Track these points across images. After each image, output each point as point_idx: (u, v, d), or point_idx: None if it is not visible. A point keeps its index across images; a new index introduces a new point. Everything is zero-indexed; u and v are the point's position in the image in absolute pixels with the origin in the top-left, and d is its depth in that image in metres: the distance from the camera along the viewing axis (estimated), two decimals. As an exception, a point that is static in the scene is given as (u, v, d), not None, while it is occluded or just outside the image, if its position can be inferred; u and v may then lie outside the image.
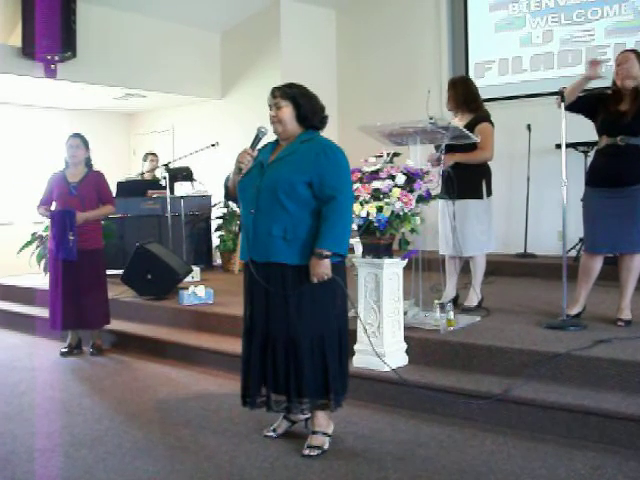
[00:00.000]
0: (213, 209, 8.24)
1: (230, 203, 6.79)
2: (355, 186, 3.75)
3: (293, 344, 3.07)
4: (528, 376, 3.56)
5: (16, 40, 7.25)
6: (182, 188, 7.89)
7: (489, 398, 3.45)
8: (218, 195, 6.60)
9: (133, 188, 7.84)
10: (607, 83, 4.27)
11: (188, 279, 6.49)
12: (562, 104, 4.08)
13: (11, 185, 9.22)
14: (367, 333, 3.79)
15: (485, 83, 7.51)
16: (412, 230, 3.86)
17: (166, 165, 7.25)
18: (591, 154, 5.14)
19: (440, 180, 4.36)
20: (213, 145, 7.29)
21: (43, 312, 5.99)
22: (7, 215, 9.15)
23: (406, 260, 4.00)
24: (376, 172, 3.84)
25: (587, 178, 4.35)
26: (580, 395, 3.33)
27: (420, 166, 4.00)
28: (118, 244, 7.39)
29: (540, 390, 3.43)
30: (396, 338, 3.96)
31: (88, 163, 5.24)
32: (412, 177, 3.82)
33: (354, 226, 3.75)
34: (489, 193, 4.73)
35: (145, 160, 8.37)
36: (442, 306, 4.36)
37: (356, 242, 4.23)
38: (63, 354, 5.28)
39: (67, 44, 7.28)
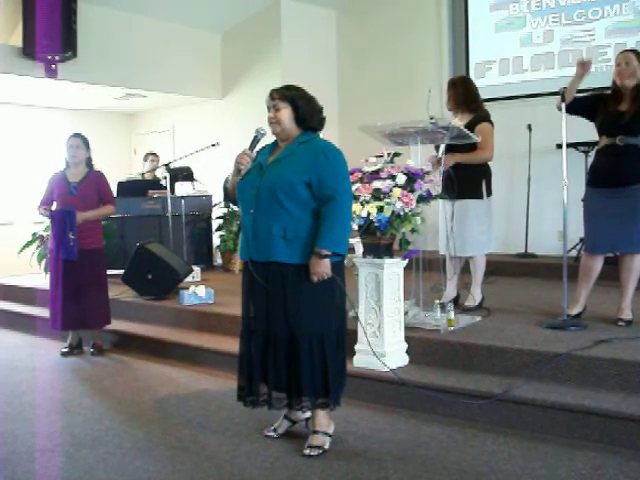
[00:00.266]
0: (214, 209, 8.24)
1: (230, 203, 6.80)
2: (355, 186, 3.75)
3: (293, 343, 3.08)
4: (528, 376, 3.56)
5: (17, 40, 7.25)
6: (183, 188, 7.89)
7: (489, 398, 3.45)
8: (219, 195, 6.60)
9: (134, 188, 7.84)
10: (607, 83, 4.26)
11: (189, 279, 6.49)
12: (562, 104, 4.08)
13: (11, 185, 9.22)
14: (367, 333, 3.79)
15: (485, 83, 7.52)
16: (413, 230, 3.86)
17: (167, 165, 7.25)
18: (592, 154, 5.14)
19: (441, 180, 4.36)
20: (213, 145, 7.29)
21: (44, 312, 5.99)
22: (8, 215, 9.15)
23: (407, 260, 4.00)
24: (377, 172, 3.84)
25: (587, 178, 4.36)
26: (580, 395, 3.33)
27: (421, 166, 4.00)
28: (119, 244, 7.39)
29: (540, 390, 3.43)
30: (397, 338, 3.96)
31: (89, 163, 5.24)
32: (413, 177, 3.82)
33: (355, 226, 3.76)
34: (489, 193, 4.73)
35: (146, 160, 8.37)
36: (442, 306, 4.36)
37: (356, 242, 4.24)
38: (64, 354, 5.28)
39: (68, 44, 7.28)
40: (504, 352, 3.74)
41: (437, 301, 4.41)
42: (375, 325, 3.88)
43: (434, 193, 4.01)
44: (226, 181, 3.34)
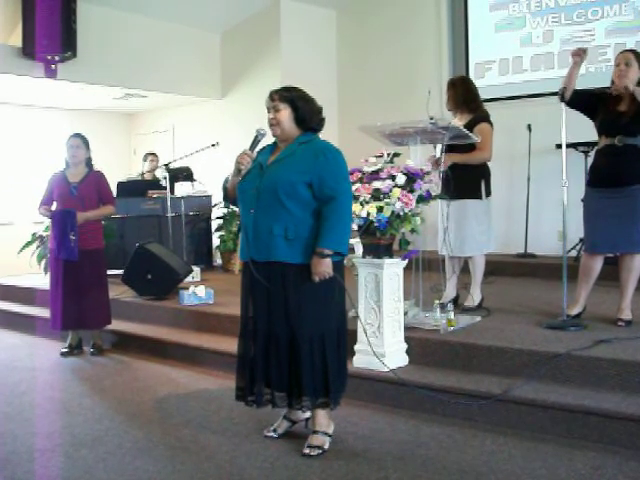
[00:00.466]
0: (213, 209, 8.24)
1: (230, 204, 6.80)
2: (355, 186, 3.75)
3: (294, 343, 3.09)
4: (528, 376, 3.56)
5: (16, 40, 7.25)
6: (182, 188, 7.89)
7: (489, 398, 3.45)
8: (218, 195, 6.59)
9: (133, 188, 7.84)
10: (607, 83, 4.26)
11: (188, 279, 6.49)
12: (562, 102, 4.09)
13: (11, 185, 9.22)
14: (367, 333, 3.79)
15: (485, 83, 7.51)
16: (412, 230, 3.86)
17: (166, 165, 7.25)
18: (591, 154, 5.15)
19: (440, 181, 4.37)
20: (213, 145, 7.29)
21: (43, 312, 5.99)
22: (7, 215, 9.15)
23: (406, 260, 4.00)
24: (376, 172, 3.84)
25: (587, 179, 4.36)
26: (580, 395, 3.33)
27: (420, 166, 4.00)
28: (118, 244, 7.39)
29: (540, 390, 3.43)
30: (396, 338, 3.96)
31: (89, 163, 5.25)
32: (412, 177, 3.82)
33: (354, 226, 3.76)
34: (488, 193, 4.73)
35: (145, 160, 8.36)
36: (442, 306, 4.36)
37: (356, 242, 4.24)
38: (63, 354, 5.28)
39: (67, 44, 7.28)
40: (504, 352, 3.74)
41: (437, 301, 4.42)
42: (375, 325, 3.88)
43: (434, 193, 4.01)
44: (226, 181, 3.35)
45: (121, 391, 4.32)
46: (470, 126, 4.56)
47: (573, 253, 6.28)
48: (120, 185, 7.58)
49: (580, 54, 4.04)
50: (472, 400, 3.50)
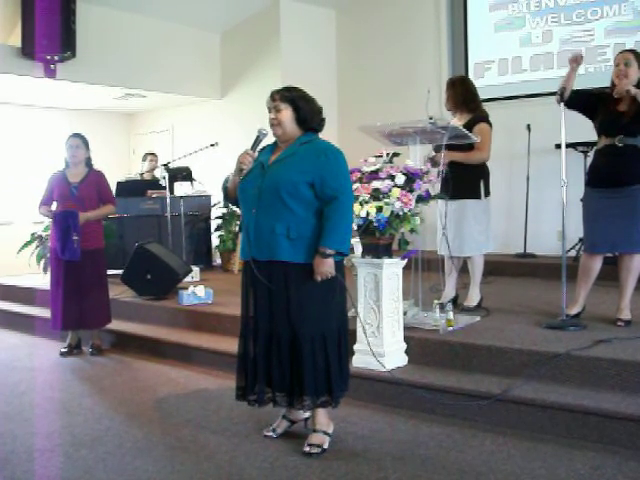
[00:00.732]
0: (213, 209, 8.24)
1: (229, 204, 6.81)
2: (355, 186, 3.75)
3: (295, 343, 3.09)
4: (528, 376, 3.56)
5: (16, 40, 7.25)
6: (182, 188, 7.89)
7: (489, 398, 3.45)
8: (218, 195, 6.60)
9: (133, 188, 7.84)
10: (606, 83, 4.26)
11: (188, 279, 6.49)
12: (561, 103, 4.08)
13: (11, 185, 9.22)
14: (366, 333, 3.79)
15: (485, 83, 7.52)
16: (412, 230, 3.86)
17: (166, 165, 7.25)
18: (591, 154, 5.14)
19: (437, 180, 4.37)
20: (212, 145, 7.29)
21: (43, 312, 6.00)
22: (7, 215, 9.15)
23: (405, 260, 4.00)
24: (376, 172, 3.84)
25: (587, 178, 4.36)
26: (580, 395, 3.33)
27: (420, 166, 4.00)
28: (118, 244, 7.38)
29: (540, 390, 3.43)
30: (396, 338, 3.96)
31: (88, 163, 5.25)
32: (412, 177, 3.82)
33: (354, 226, 3.76)
34: (487, 193, 4.73)
35: (145, 160, 8.36)
36: (442, 306, 4.36)
37: (356, 242, 4.23)
38: (63, 354, 5.28)
39: (67, 44, 7.28)
40: (503, 352, 3.74)
41: (436, 301, 4.42)
42: (374, 325, 3.88)
43: (433, 193, 4.01)
44: (226, 181, 3.35)
45: (121, 391, 4.32)
46: (469, 126, 4.56)
47: (572, 253, 6.28)
48: (119, 185, 7.58)
49: (578, 60, 4.04)
50: (471, 400, 3.50)
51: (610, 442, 3.12)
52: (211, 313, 5.32)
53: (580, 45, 7.08)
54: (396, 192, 3.73)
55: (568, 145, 4.39)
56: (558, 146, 4.42)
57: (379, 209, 3.72)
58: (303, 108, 3.16)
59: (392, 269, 3.89)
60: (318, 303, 3.11)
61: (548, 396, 3.35)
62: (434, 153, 4.50)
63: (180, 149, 9.26)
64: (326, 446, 3.17)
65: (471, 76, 7.38)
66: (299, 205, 3.07)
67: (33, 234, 7.23)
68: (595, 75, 6.85)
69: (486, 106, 4.90)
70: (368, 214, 3.72)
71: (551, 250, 6.73)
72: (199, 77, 9.14)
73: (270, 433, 3.37)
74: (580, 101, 4.19)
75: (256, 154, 3.21)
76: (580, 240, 5.95)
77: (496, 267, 6.18)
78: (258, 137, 3.24)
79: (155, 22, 8.46)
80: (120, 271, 6.18)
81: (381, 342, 3.85)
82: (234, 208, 7.30)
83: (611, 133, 4.08)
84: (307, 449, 3.13)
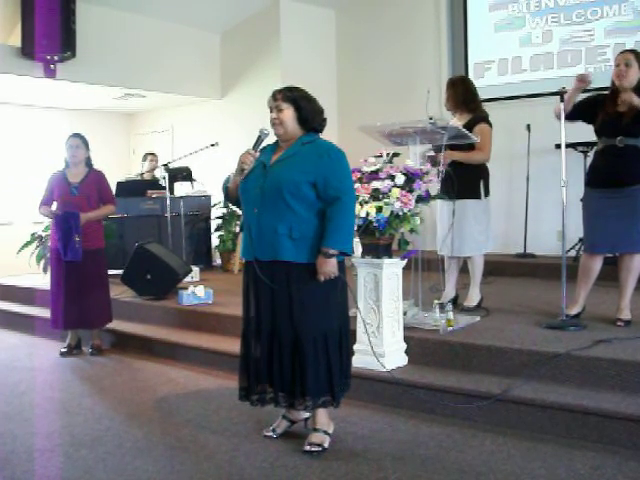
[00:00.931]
0: (213, 209, 8.24)
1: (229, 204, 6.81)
2: (354, 186, 3.74)
3: (297, 343, 3.09)
4: (528, 376, 3.56)
5: (16, 40, 7.25)
6: (182, 188, 7.89)
7: (489, 398, 3.45)
8: (218, 195, 6.60)
9: (133, 188, 7.84)
10: (606, 83, 4.26)
11: (188, 279, 6.49)
12: (562, 112, 4.08)
13: (11, 185, 9.22)
14: (367, 333, 3.79)
15: (485, 83, 7.52)
16: (411, 230, 3.86)
17: (166, 165, 7.24)
18: (590, 154, 5.14)
19: (438, 180, 4.37)
20: (212, 145, 7.29)
21: (43, 312, 6.00)
22: (7, 215, 9.15)
23: (405, 260, 4.00)
24: (375, 172, 3.84)
25: (587, 179, 4.36)
26: (580, 395, 3.33)
27: (419, 166, 4.00)
28: (118, 244, 7.38)
29: (540, 390, 3.43)
30: (396, 338, 3.96)
31: (88, 163, 5.25)
32: (411, 177, 3.82)
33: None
34: (487, 193, 4.73)
35: (145, 160, 8.36)
36: (441, 306, 4.36)
37: (355, 242, 4.23)
38: (63, 354, 5.28)
39: (67, 44, 7.28)
40: (503, 352, 3.74)
41: (436, 301, 4.42)
42: (374, 325, 3.87)
43: (433, 193, 4.01)
44: (226, 181, 3.35)
45: (120, 391, 4.32)
46: (470, 126, 4.56)
47: (572, 253, 6.28)
48: (119, 185, 7.58)
49: (585, 81, 4.04)
50: (471, 400, 3.50)
51: (610, 442, 3.12)
52: (211, 313, 5.32)
53: (580, 45, 7.09)
54: (396, 192, 3.73)
55: (568, 145, 4.39)
56: (558, 146, 4.42)
57: (379, 209, 3.72)
58: (305, 108, 3.16)
59: (392, 269, 3.89)
60: (320, 303, 3.11)
61: (548, 396, 3.35)
62: (433, 152, 4.49)
63: (180, 149, 9.26)
64: (326, 445, 3.17)
65: (471, 76, 7.38)
66: (301, 205, 3.07)
67: (33, 234, 7.24)
68: (595, 75, 6.76)
69: (486, 106, 4.90)
70: (368, 214, 3.72)
71: (551, 250, 6.73)
72: (199, 77, 9.14)
73: (270, 433, 3.37)
74: (580, 112, 4.20)
75: (258, 154, 3.20)
76: (580, 240, 5.95)
77: (496, 267, 6.18)
78: (260, 137, 3.23)
79: (155, 22, 8.46)
80: (120, 271, 6.18)
81: (381, 342, 3.85)
82: (234, 208, 7.30)
83: (611, 134, 4.07)
84: (307, 448, 3.14)
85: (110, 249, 6.52)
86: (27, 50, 7.17)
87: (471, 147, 4.56)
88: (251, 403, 3.25)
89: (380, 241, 3.84)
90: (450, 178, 4.41)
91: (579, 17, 7.11)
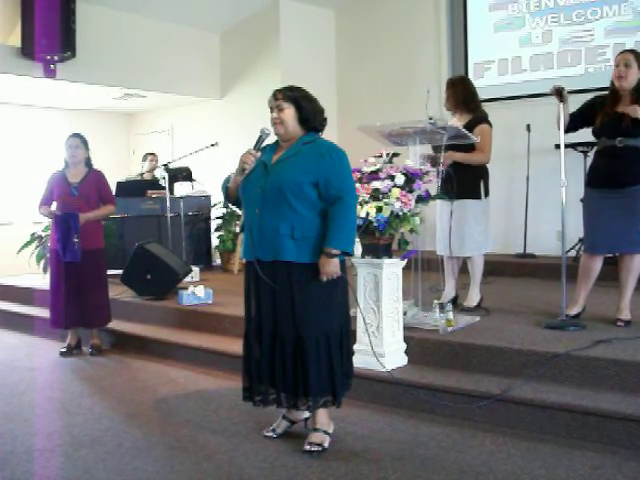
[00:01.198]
0: (212, 209, 8.24)
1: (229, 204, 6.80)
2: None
3: (300, 343, 3.08)
4: (527, 376, 3.56)
5: (15, 40, 7.25)
6: (181, 188, 7.89)
7: (488, 398, 3.45)
8: (218, 195, 6.59)
9: (132, 188, 7.83)
10: (606, 83, 4.25)
11: (187, 279, 6.49)
12: (560, 104, 4.09)
13: (11, 185, 9.22)
14: (367, 333, 3.79)
15: (484, 83, 7.52)
16: (411, 230, 3.86)
17: (165, 165, 7.24)
18: (590, 154, 5.15)
19: (438, 180, 4.37)
20: (212, 145, 7.29)
21: (42, 312, 5.99)
22: (6, 215, 9.15)
23: (405, 260, 4.00)
24: (375, 172, 3.85)
25: (587, 179, 4.36)
26: (579, 395, 3.33)
27: (419, 166, 4.00)
28: (118, 244, 7.38)
29: (539, 390, 3.43)
30: (395, 338, 3.96)
31: (88, 163, 5.25)
32: (411, 177, 3.82)
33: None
34: (487, 193, 4.73)
35: (144, 160, 8.36)
36: (441, 306, 4.36)
37: (355, 242, 4.23)
38: (62, 354, 5.28)
39: (66, 44, 7.28)
40: (503, 352, 3.74)
41: (436, 301, 4.42)
42: (374, 325, 3.87)
43: (433, 193, 4.01)
44: (226, 181, 3.34)
45: (120, 391, 4.31)
46: (470, 126, 4.56)
47: (572, 253, 6.28)
48: (119, 185, 7.58)
49: (560, 93, 4.05)
50: (471, 400, 3.50)
51: (609, 442, 3.12)
52: (211, 313, 5.31)
53: (580, 45, 7.09)
54: (396, 192, 3.73)
55: (568, 145, 4.39)
56: (558, 146, 4.41)
57: (379, 209, 3.72)
58: (306, 107, 3.16)
59: (392, 269, 3.89)
60: (322, 303, 3.11)
61: (548, 396, 3.35)
62: (432, 152, 4.49)
63: (180, 149, 9.25)
64: (326, 445, 3.17)
65: (471, 76, 7.38)
66: (303, 205, 3.06)
67: (33, 234, 7.24)
68: (595, 75, 6.85)
69: (486, 106, 4.91)
70: (368, 214, 3.72)
71: (551, 250, 6.73)
72: (199, 77, 9.14)
73: (270, 433, 3.37)
74: (580, 119, 4.22)
75: (259, 154, 3.19)
76: (580, 240, 5.96)
77: (496, 267, 6.18)
78: (261, 136, 3.22)
79: (155, 22, 8.46)
80: (120, 271, 6.18)
81: (381, 342, 3.85)
82: (234, 208, 7.30)
83: (611, 134, 4.07)
84: (307, 447, 3.14)
85: (110, 249, 6.52)
86: (27, 50, 7.17)
87: (472, 147, 4.56)
88: (254, 404, 3.25)
89: (380, 241, 3.84)
90: (450, 178, 4.41)
91: (579, 17, 7.11)
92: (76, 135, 5.22)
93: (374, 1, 8.60)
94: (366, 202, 3.76)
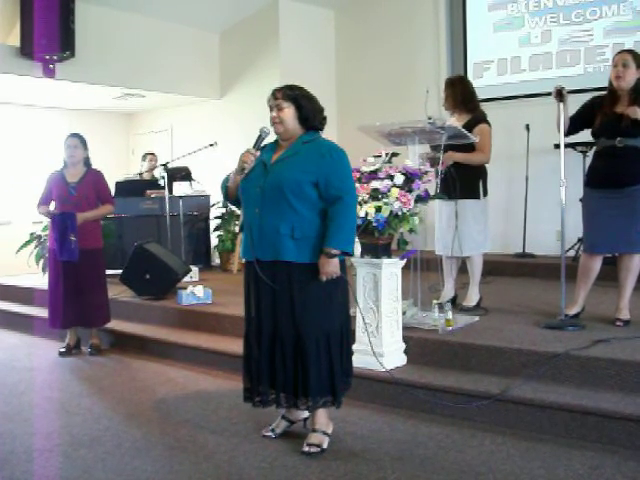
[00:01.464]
0: (212, 209, 8.24)
1: (228, 203, 6.80)
2: (354, 186, 3.75)
3: (300, 343, 3.08)
4: (527, 376, 3.56)
5: (14, 40, 7.24)
6: (181, 188, 7.88)
7: (488, 398, 3.45)
8: (217, 195, 6.59)
9: (132, 188, 7.84)
10: (605, 83, 4.25)
11: (187, 279, 6.49)
12: (560, 104, 4.09)
13: (10, 185, 9.22)
14: (366, 333, 3.79)
15: (484, 83, 7.52)
16: (411, 230, 3.86)
17: (164, 165, 7.24)
18: (590, 154, 5.14)
19: (438, 180, 4.37)
20: (211, 145, 7.28)
21: (42, 312, 5.99)
22: (6, 215, 9.14)
23: (405, 260, 4.00)
24: (375, 172, 3.85)
25: (586, 179, 4.36)
26: (579, 395, 3.34)
27: (419, 166, 4.00)
28: (117, 244, 7.38)
29: (539, 390, 3.43)
30: (395, 338, 3.96)
31: (87, 163, 5.25)
32: (411, 177, 3.82)
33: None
34: (485, 193, 4.73)
35: (144, 160, 8.37)
36: (440, 306, 4.36)
37: (355, 242, 4.23)
38: (62, 354, 5.28)
39: (66, 44, 7.27)
40: (502, 352, 3.74)
41: (435, 301, 4.42)
42: (373, 325, 3.87)
43: (432, 193, 4.01)
44: (226, 180, 3.33)
45: (119, 391, 4.31)
46: (470, 126, 4.56)
47: (571, 253, 6.28)
48: (118, 185, 7.58)
49: (557, 94, 4.05)
50: (470, 400, 3.50)
51: (609, 442, 3.12)
52: (210, 313, 5.31)
53: (579, 45, 7.09)
54: (395, 192, 3.73)
55: (567, 145, 4.39)
56: (557, 146, 4.41)
57: (378, 209, 3.72)
58: (305, 106, 3.15)
59: (391, 269, 3.89)
60: (322, 303, 3.10)
61: (547, 396, 3.35)
62: (432, 153, 4.49)
63: (179, 149, 9.25)
64: (325, 446, 3.16)
65: (470, 76, 7.39)
66: (303, 205, 3.06)
67: (32, 234, 7.23)
68: (594, 75, 6.85)
69: (485, 106, 4.91)
70: (367, 214, 3.72)
71: (550, 250, 6.73)
72: (198, 77, 9.13)
73: (269, 433, 3.37)
74: (580, 121, 4.22)
75: (259, 153, 3.18)
76: (579, 240, 5.96)
77: (495, 267, 6.18)
78: (260, 136, 3.22)
79: (154, 22, 8.45)
80: (119, 271, 6.18)
81: (380, 342, 3.85)
82: (233, 208, 7.29)
83: (610, 135, 4.07)
84: (306, 449, 3.13)
85: (109, 249, 6.52)
86: (26, 50, 7.16)
87: (471, 148, 4.56)
88: (253, 404, 3.24)
89: (379, 241, 3.84)
90: (451, 178, 4.42)
91: (578, 17, 7.11)
92: (75, 135, 5.22)
93: (374, 1, 8.60)
94: (365, 202, 3.75)
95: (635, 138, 4.01)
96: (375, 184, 3.78)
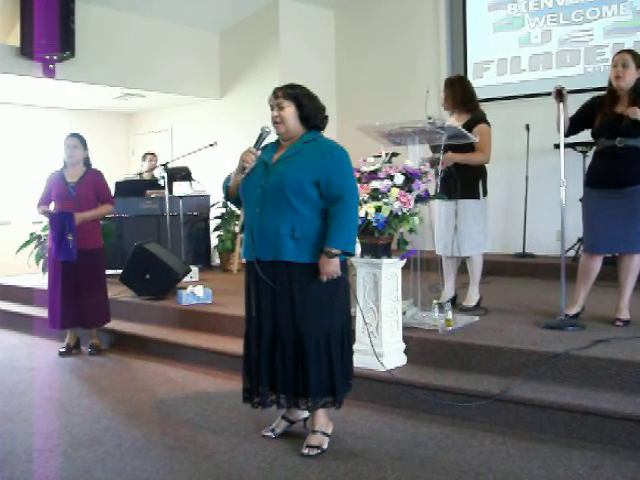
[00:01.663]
0: (212, 209, 8.23)
1: (229, 203, 6.80)
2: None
3: (300, 344, 3.08)
4: (527, 376, 3.56)
5: (14, 40, 7.24)
6: (180, 188, 7.88)
7: (488, 398, 3.45)
8: (217, 195, 6.59)
9: (131, 188, 7.83)
10: (605, 83, 4.26)
11: (187, 279, 6.49)
12: (560, 104, 4.09)
13: (10, 185, 9.22)
14: (366, 333, 3.79)
15: (483, 83, 7.52)
16: (411, 230, 3.86)
17: (164, 165, 7.24)
18: (589, 154, 5.14)
19: (437, 180, 4.37)
20: (211, 145, 7.28)
21: (42, 312, 5.99)
22: (5, 214, 9.14)
23: (405, 260, 4.00)
24: (375, 172, 3.85)
25: (586, 179, 4.36)
26: (579, 395, 3.34)
27: (418, 166, 4.00)
28: (117, 244, 7.38)
29: (539, 390, 3.43)
30: (395, 338, 3.96)
31: (87, 162, 5.25)
32: (411, 177, 3.82)
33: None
34: (485, 193, 4.73)
35: (144, 160, 8.37)
36: (440, 306, 4.36)
37: (356, 242, 4.23)
38: (61, 354, 5.28)
39: (66, 44, 7.27)
40: (502, 352, 3.74)
41: (435, 301, 4.42)
42: (373, 325, 3.87)
43: (432, 193, 4.02)
44: (227, 180, 3.33)
45: (119, 391, 4.31)
46: (469, 126, 4.56)
47: (571, 253, 6.28)
48: (118, 185, 7.58)
49: (557, 94, 4.05)
50: (470, 400, 3.50)
51: (609, 442, 3.12)
52: (210, 313, 5.31)
53: (579, 45, 7.09)
54: (395, 192, 3.73)
55: (567, 145, 4.39)
56: (557, 146, 4.41)
57: (378, 209, 3.72)
58: (306, 106, 3.14)
59: (391, 269, 3.89)
60: (323, 303, 3.10)
61: (547, 396, 3.35)
62: (438, 155, 4.48)
63: (179, 149, 9.25)
64: (325, 447, 3.16)
65: (470, 76, 7.39)
66: (304, 204, 3.05)
67: (32, 234, 7.23)
68: (594, 75, 6.85)
69: (485, 106, 4.91)
70: (367, 214, 3.72)
71: (550, 250, 6.73)
72: (198, 77, 9.13)
73: (269, 433, 3.37)
74: (580, 121, 4.22)
75: (259, 152, 3.18)
76: (579, 240, 5.96)
77: (495, 267, 6.18)
78: (261, 135, 3.21)
79: (154, 22, 8.45)
80: (119, 271, 6.18)
81: (380, 342, 3.85)
82: (233, 208, 7.29)
83: (610, 135, 4.07)
84: (306, 451, 3.13)
85: (109, 249, 6.53)
86: (26, 50, 7.15)
87: (471, 148, 4.56)
88: (252, 405, 3.24)
89: (379, 241, 3.84)
90: (451, 178, 4.42)
91: (578, 17, 7.11)
92: (74, 135, 5.22)
93: (374, 1, 8.60)
94: (365, 202, 3.75)
95: (635, 138, 4.01)
96: (375, 184, 3.78)
